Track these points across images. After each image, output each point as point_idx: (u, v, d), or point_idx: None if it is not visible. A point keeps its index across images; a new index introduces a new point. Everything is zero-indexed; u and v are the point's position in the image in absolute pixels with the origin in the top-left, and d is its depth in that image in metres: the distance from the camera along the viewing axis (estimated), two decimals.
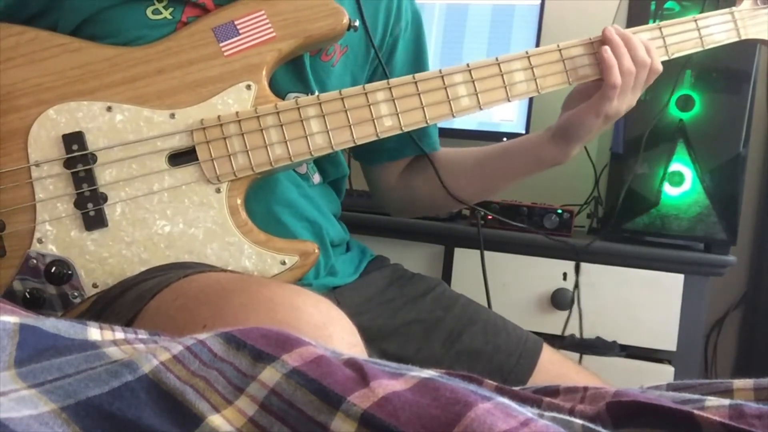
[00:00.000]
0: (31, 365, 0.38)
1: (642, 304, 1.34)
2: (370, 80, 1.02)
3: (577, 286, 1.27)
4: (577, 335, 1.31)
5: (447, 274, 1.44)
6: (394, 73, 1.03)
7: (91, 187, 0.80)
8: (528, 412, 0.35)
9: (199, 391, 0.37)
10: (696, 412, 0.37)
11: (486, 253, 1.29)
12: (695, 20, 0.97)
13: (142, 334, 0.48)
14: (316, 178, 0.99)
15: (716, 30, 0.98)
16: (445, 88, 0.89)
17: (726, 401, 0.43)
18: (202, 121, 0.83)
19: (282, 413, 0.35)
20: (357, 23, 0.89)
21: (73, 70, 0.82)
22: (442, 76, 0.89)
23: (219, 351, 0.40)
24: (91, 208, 0.80)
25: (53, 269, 0.78)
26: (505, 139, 1.57)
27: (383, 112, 0.87)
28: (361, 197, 1.50)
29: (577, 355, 1.30)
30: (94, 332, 0.45)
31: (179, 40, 0.85)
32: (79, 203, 0.80)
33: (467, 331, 0.97)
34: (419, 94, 0.88)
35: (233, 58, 0.85)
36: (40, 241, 0.79)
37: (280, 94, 0.89)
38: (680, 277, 1.33)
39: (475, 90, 0.90)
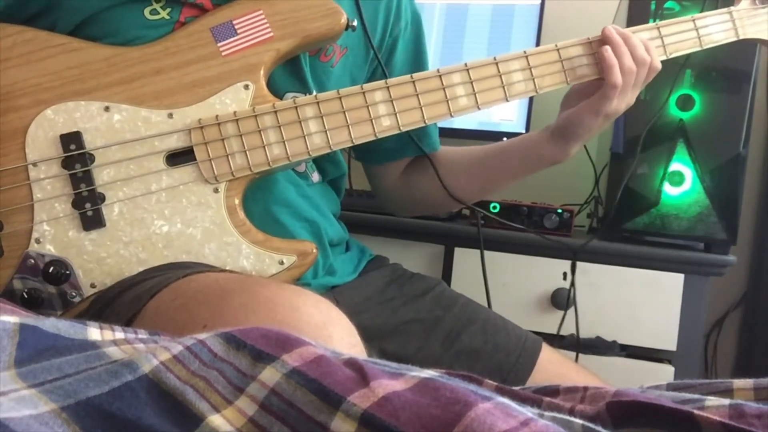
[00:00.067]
0: (31, 365, 0.38)
1: (642, 304, 1.34)
2: (369, 81, 1.02)
3: (573, 284, 1.27)
4: (576, 335, 1.31)
5: (447, 274, 1.44)
6: (393, 73, 1.03)
7: (88, 187, 0.80)
8: (528, 412, 0.35)
9: (199, 391, 0.37)
10: (696, 412, 0.37)
11: (486, 253, 1.29)
12: (693, 20, 0.97)
13: (142, 334, 0.48)
14: (315, 176, 0.99)
15: (714, 30, 0.98)
16: (444, 88, 0.89)
17: (726, 401, 0.43)
18: (200, 121, 0.83)
19: (282, 413, 0.35)
20: (355, 23, 0.89)
21: (71, 70, 0.82)
22: (440, 76, 0.89)
23: (219, 351, 0.40)
24: (88, 208, 0.80)
25: (51, 269, 0.78)
26: (505, 138, 1.57)
27: (381, 112, 0.87)
28: (361, 197, 1.50)
29: (574, 355, 1.30)
30: (94, 332, 0.45)
31: (177, 40, 0.84)
32: (77, 203, 0.80)
33: (467, 330, 0.97)
34: (417, 94, 0.88)
35: (231, 58, 0.85)
36: (38, 241, 0.79)
37: (278, 94, 0.89)
38: (680, 277, 1.32)
39: (473, 90, 0.90)
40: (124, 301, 0.73)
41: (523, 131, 1.65)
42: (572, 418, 0.37)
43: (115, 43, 0.84)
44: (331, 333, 0.60)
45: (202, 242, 0.82)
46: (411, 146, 1.09)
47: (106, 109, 0.82)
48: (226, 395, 0.37)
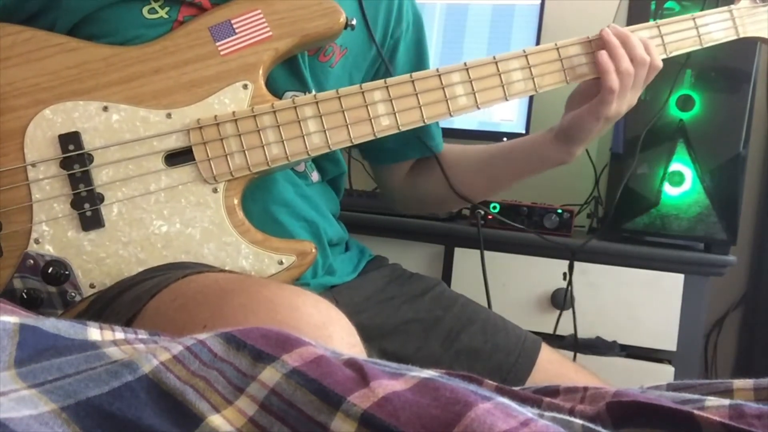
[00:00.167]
0: (31, 365, 0.38)
1: (642, 304, 1.34)
2: (374, 79, 1.03)
3: (570, 284, 1.27)
4: (574, 334, 1.31)
5: (447, 274, 1.44)
6: (395, 75, 1.03)
7: (87, 188, 0.80)
8: (528, 412, 0.35)
9: (199, 391, 0.37)
10: (696, 412, 0.37)
11: (486, 253, 1.29)
12: (693, 18, 0.97)
13: (142, 334, 0.48)
14: (315, 176, 0.99)
15: (715, 28, 0.98)
16: (443, 88, 0.89)
17: (726, 401, 0.43)
18: (199, 120, 0.83)
19: (282, 413, 0.35)
20: (354, 22, 0.89)
21: (70, 69, 0.82)
22: (440, 76, 0.89)
23: (219, 351, 0.40)
24: (87, 209, 0.80)
25: (50, 270, 0.78)
26: (505, 138, 1.57)
27: (380, 111, 0.87)
28: (361, 197, 1.50)
29: (571, 354, 1.30)
30: (94, 332, 0.45)
31: (175, 40, 0.84)
32: (76, 203, 0.80)
33: (466, 330, 0.97)
34: (416, 94, 0.88)
35: (230, 57, 0.85)
36: (37, 241, 0.79)
37: (278, 93, 0.89)
38: (680, 277, 1.32)
39: (473, 89, 0.90)
40: (124, 302, 0.73)
41: (523, 131, 1.65)
42: (572, 419, 0.37)
43: (113, 42, 0.84)
44: (331, 333, 0.60)
45: (201, 242, 0.82)
46: (416, 147, 1.10)
47: (105, 109, 0.82)
48: (226, 395, 0.37)
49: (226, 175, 0.83)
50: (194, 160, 0.83)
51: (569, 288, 1.27)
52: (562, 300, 1.33)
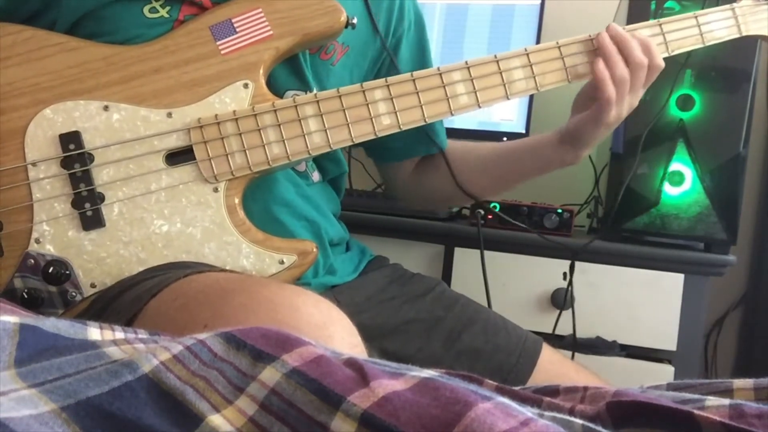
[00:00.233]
0: (31, 365, 0.38)
1: (642, 304, 1.34)
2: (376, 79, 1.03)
3: (570, 284, 1.27)
4: (573, 334, 1.31)
5: (447, 274, 1.44)
6: (400, 69, 1.03)
7: (88, 187, 0.80)
8: (528, 411, 0.35)
9: (199, 390, 0.37)
10: (696, 411, 0.37)
11: (486, 253, 1.29)
12: (696, 17, 0.97)
13: (142, 334, 0.48)
14: (316, 176, 0.99)
15: (717, 26, 0.98)
16: (444, 86, 0.89)
17: (726, 401, 0.43)
18: (200, 120, 0.83)
19: (282, 413, 0.35)
20: (355, 20, 0.89)
21: (70, 69, 0.82)
22: (441, 74, 0.89)
23: (219, 351, 0.40)
24: (88, 208, 0.80)
25: (51, 269, 0.78)
26: (505, 138, 1.57)
27: (381, 110, 0.87)
28: (361, 197, 1.50)
29: (569, 354, 1.30)
30: (94, 332, 0.45)
31: (176, 39, 0.84)
32: (77, 203, 0.80)
33: (467, 330, 0.97)
34: (417, 93, 0.88)
35: (230, 56, 0.85)
36: (37, 241, 0.79)
37: (279, 92, 0.89)
38: (680, 277, 1.32)
39: (474, 88, 0.90)
40: (125, 301, 0.73)
41: (523, 131, 1.65)
42: (572, 418, 0.37)
43: (113, 41, 0.84)
44: (332, 333, 0.60)
45: (201, 242, 0.82)
46: (421, 145, 1.10)
47: (105, 108, 0.82)
48: (226, 395, 0.37)
49: (227, 175, 0.83)
50: (195, 159, 0.83)
51: (569, 288, 1.27)
52: (561, 300, 1.33)
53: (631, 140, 1.33)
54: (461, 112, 0.90)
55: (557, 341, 1.30)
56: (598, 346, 1.33)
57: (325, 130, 0.85)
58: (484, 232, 1.33)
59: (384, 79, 0.88)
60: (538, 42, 1.64)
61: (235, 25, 0.85)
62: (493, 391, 0.43)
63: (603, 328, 1.35)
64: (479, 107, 0.91)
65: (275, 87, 0.89)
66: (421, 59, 1.10)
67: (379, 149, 1.12)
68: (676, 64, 1.23)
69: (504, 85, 0.91)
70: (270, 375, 0.37)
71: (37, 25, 0.85)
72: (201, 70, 0.84)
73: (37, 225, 0.80)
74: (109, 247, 0.80)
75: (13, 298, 0.78)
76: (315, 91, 0.90)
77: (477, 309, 1.01)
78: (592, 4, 1.81)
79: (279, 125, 0.84)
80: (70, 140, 0.80)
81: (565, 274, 1.34)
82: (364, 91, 0.87)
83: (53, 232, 0.80)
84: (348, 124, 0.86)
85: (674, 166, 1.32)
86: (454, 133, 1.62)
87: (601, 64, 0.91)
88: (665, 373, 1.32)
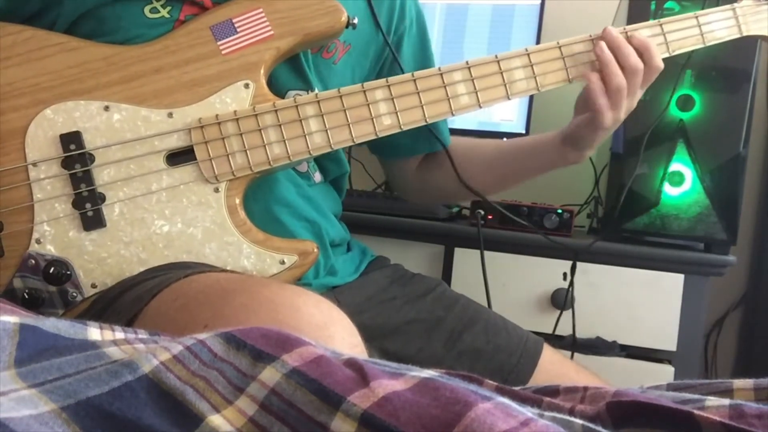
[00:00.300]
0: (31, 365, 0.38)
1: (642, 304, 1.34)
2: (377, 78, 1.03)
3: (571, 285, 1.27)
4: (573, 335, 1.31)
5: (447, 274, 1.44)
6: (402, 69, 1.04)
7: (89, 187, 0.80)
8: (528, 412, 0.35)
9: (199, 391, 0.37)
10: (696, 412, 0.37)
11: (486, 253, 1.29)
12: (696, 17, 0.97)
13: (142, 334, 0.48)
14: (317, 176, 0.99)
15: (718, 26, 0.98)
16: (445, 87, 0.89)
17: (726, 401, 0.43)
18: (200, 120, 0.83)
19: (282, 413, 0.35)
20: (356, 20, 0.89)
21: (71, 69, 0.82)
22: (441, 75, 0.89)
23: (219, 351, 0.40)
24: (89, 209, 0.80)
25: (52, 269, 0.78)
26: (505, 139, 1.57)
27: (382, 110, 0.87)
28: (361, 197, 1.50)
29: (569, 354, 1.30)
30: (94, 332, 0.45)
31: (177, 39, 0.84)
32: (77, 203, 0.80)
33: (468, 330, 0.97)
34: (418, 93, 0.88)
35: (231, 56, 0.85)
36: (38, 241, 0.79)
37: (281, 92, 0.89)
38: (680, 277, 1.32)
39: (475, 88, 0.90)
40: (126, 301, 0.73)
41: (523, 131, 1.65)
42: (572, 418, 0.37)
43: (114, 41, 0.84)
44: (333, 333, 0.60)
45: (202, 242, 0.82)
46: (425, 142, 1.11)
47: (106, 108, 0.82)
48: (226, 395, 0.37)
49: (228, 175, 0.83)
50: (195, 159, 0.83)
51: (570, 288, 1.27)
52: (561, 300, 1.33)
53: (631, 140, 1.33)
54: (462, 112, 0.90)
55: (557, 341, 1.30)
56: (598, 347, 1.33)
57: (326, 131, 0.85)
58: (484, 233, 1.34)
59: (385, 79, 0.88)
60: (538, 42, 1.64)
61: (236, 25, 0.85)
62: (493, 391, 0.43)
63: (603, 329, 1.35)
64: (480, 107, 0.91)
65: (277, 87, 0.89)
66: (423, 57, 1.11)
67: (383, 146, 1.13)
68: (677, 65, 1.23)
69: (505, 85, 0.91)
70: (270, 375, 0.37)
71: (37, 24, 0.85)
72: (202, 70, 0.84)
73: (38, 225, 0.80)
74: (110, 248, 0.80)
75: (14, 298, 0.78)
76: (316, 91, 0.90)
77: (477, 309, 1.01)
78: (592, 4, 1.81)
79: (280, 125, 0.84)
80: (71, 140, 0.80)
81: (565, 274, 1.34)
82: (365, 92, 0.87)
83: (54, 233, 0.80)
84: (349, 125, 0.86)
85: (674, 166, 1.32)
86: (454, 133, 1.62)
87: (594, 77, 0.91)
88: (665, 373, 1.32)
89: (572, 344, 1.28)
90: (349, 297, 0.96)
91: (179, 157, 0.83)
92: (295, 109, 0.85)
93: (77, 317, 0.74)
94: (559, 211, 1.40)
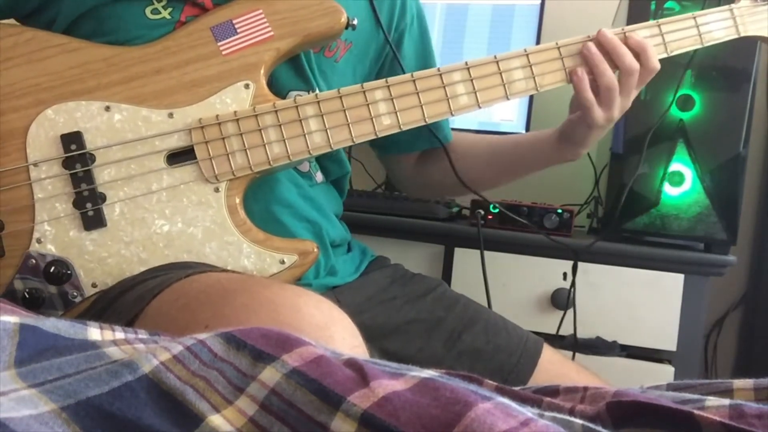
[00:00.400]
0: (31, 365, 0.38)
1: (642, 304, 1.34)
2: (378, 76, 1.04)
3: (573, 285, 1.27)
4: (574, 335, 1.31)
5: (447, 274, 1.44)
6: (403, 64, 1.04)
7: (89, 187, 0.80)
8: (528, 412, 0.35)
9: (199, 391, 0.37)
10: (696, 412, 0.37)
11: (486, 253, 1.29)
12: (694, 17, 0.97)
13: (143, 334, 0.48)
14: (319, 176, 0.99)
15: (715, 27, 0.98)
16: (444, 87, 0.89)
17: (726, 401, 0.43)
18: (201, 120, 0.83)
19: (282, 413, 0.35)
20: (356, 21, 0.89)
21: (71, 69, 0.82)
22: (441, 75, 0.89)
23: (219, 351, 0.40)
24: (89, 208, 0.80)
25: (52, 269, 0.78)
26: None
27: (381, 110, 0.87)
28: (361, 197, 1.50)
29: (570, 354, 1.30)
30: (94, 332, 0.45)
31: (177, 40, 0.84)
32: (78, 203, 0.80)
33: (468, 330, 0.97)
34: (417, 93, 0.88)
35: (231, 57, 0.85)
36: (39, 241, 0.79)
37: (282, 93, 0.90)
38: (680, 277, 1.32)
39: (474, 88, 0.90)
40: (126, 301, 0.73)
41: (523, 131, 1.65)
42: (572, 418, 0.37)
43: (115, 41, 0.84)
44: (333, 333, 0.60)
45: (202, 242, 0.82)
46: (425, 139, 1.12)
47: (107, 108, 0.82)
48: (226, 395, 0.37)
49: (228, 175, 0.83)
50: (196, 159, 0.83)
51: (572, 289, 1.27)
52: (561, 300, 1.33)
53: (631, 140, 1.33)
54: (461, 112, 0.91)
55: (556, 341, 1.30)
56: (598, 347, 1.33)
57: (326, 130, 0.86)
58: (484, 233, 1.33)
59: (384, 79, 0.88)
60: (538, 42, 1.64)
61: (236, 26, 0.85)
62: (493, 391, 0.43)
63: (603, 328, 1.35)
64: (479, 107, 0.91)
65: (278, 88, 0.89)
66: (424, 54, 1.11)
67: (382, 142, 1.12)
68: (677, 65, 1.23)
69: (504, 86, 0.91)
70: (270, 375, 0.37)
71: (36, 22, 0.85)
72: (202, 71, 0.84)
73: (39, 225, 0.80)
74: (111, 247, 0.80)
75: (14, 298, 0.78)
76: (317, 91, 0.90)
77: (478, 309, 1.02)
78: (592, 4, 1.81)
79: (280, 125, 0.84)
80: (72, 140, 0.81)
81: (565, 274, 1.34)
82: (364, 92, 0.87)
83: (54, 232, 0.80)
84: (348, 124, 0.86)
85: (674, 166, 1.32)
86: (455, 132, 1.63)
87: (578, 72, 0.91)
88: (665, 373, 1.32)
89: (574, 345, 1.28)
90: (350, 297, 0.96)
91: (179, 157, 0.83)
92: (295, 109, 0.85)
93: (78, 317, 0.74)
94: (559, 211, 1.40)
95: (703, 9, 0.99)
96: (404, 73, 0.91)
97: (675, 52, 0.96)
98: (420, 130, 1.05)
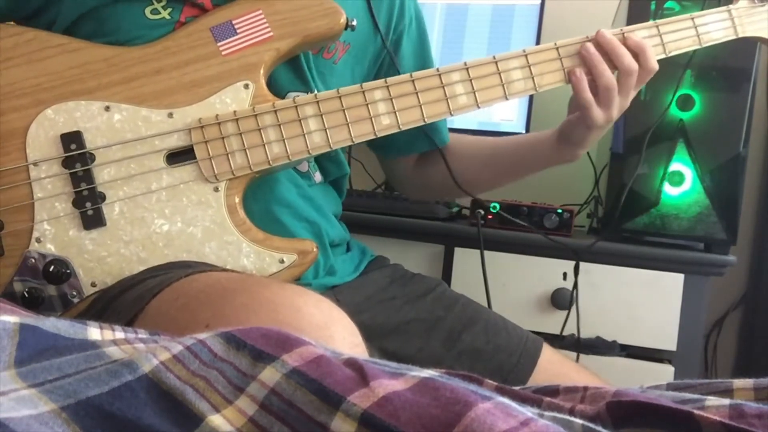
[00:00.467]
0: (31, 365, 0.38)
1: (642, 304, 1.34)
2: (376, 77, 1.04)
3: (576, 287, 1.27)
4: (577, 335, 1.31)
5: (447, 274, 1.44)
6: (401, 67, 1.04)
7: (89, 186, 0.80)
8: (528, 411, 0.35)
9: (199, 390, 0.37)
10: (696, 412, 0.37)
11: (486, 253, 1.29)
12: (692, 18, 0.97)
13: (142, 334, 0.48)
14: (317, 177, 0.99)
15: (713, 28, 0.98)
16: (443, 87, 0.89)
17: (726, 401, 0.43)
18: (200, 120, 0.83)
19: (282, 413, 0.35)
20: (355, 22, 0.89)
21: (72, 70, 0.82)
22: (440, 75, 0.89)
23: (219, 351, 0.40)
24: (89, 207, 0.80)
25: (52, 268, 0.78)
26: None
27: (381, 110, 0.87)
28: (361, 197, 1.50)
29: (574, 355, 1.30)
30: (94, 332, 0.45)
31: (177, 40, 0.84)
32: (78, 202, 0.80)
33: (468, 330, 0.97)
34: (417, 93, 0.89)
35: (231, 57, 0.85)
36: (38, 240, 0.79)
37: (280, 94, 0.90)
38: (680, 277, 1.32)
39: (473, 88, 0.90)
40: (126, 301, 0.73)
41: (523, 131, 1.65)
42: (572, 418, 0.37)
43: (114, 42, 0.84)
44: (333, 333, 0.60)
45: (202, 241, 0.82)
46: (422, 141, 1.12)
47: (107, 108, 0.82)
48: (226, 395, 0.37)
49: (228, 174, 0.83)
50: (195, 159, 0.83)
51: (575, 290, 1.27)
52: (561, 300, 1.34)
53: (631, 140, 1.33)
54: (460, 112, 0.91)
55: (557, 341, 1.30)
56: (598, 346, 1.33)
57: (325, 130, 0.86)
58: (484, 232, 1.34)
59: (383, 79, 0.88)
60: (537, 42, 1.64)
61: (236, 26, 0.85)
62: (493, 391, 0.43)
63: (603, 328, 1.35)
64: (478, 107, 0.91)
65: (277, 89, 0.89)
66: (422, 56, 1.11)
67: (382, 144, 1.13)
68: (677, 65, 1.23)
69: (503, 86, 0.91)
70: (270, 375, 0.37)
71: (36, 23, 0.85)
72: (202, 71, 0.84)
73: (38, 224, 0.80)
74: (110, 247, 0.80)
75: (14, 297, 0.78)
76: (316, 92, 0.90)
77: (477, 309, 1.02)
78: (592, 4, 1.81)
79: (279, 125, 0.84)
80: (72, 140, 0.81)
81: (565, 274, 1.34)
82: (363, 92, 0.87)
83: (54, 232, 0.80)
84: (348, 124, 0.86)
85: (674, 166, 1.32)
86: (454, 133, 1.63)
87: (577, 72, 0.91)
88: (665, 373, 1.32)
89: (577, 345, 1.28)
90: (349, 297, 0.96)
91: (179, 156, 0.83)
92: (295, 109, 0.85)
93: (77, 317, 0.74)
94: (559, 211, 1.40)
95: (702, 9, 0.99)
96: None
97: (673, 53, 0.96)
98: (418, 133, 1.05)
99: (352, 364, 0.38)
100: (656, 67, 0.93)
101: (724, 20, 0.98)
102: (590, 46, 0.91)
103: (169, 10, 0.85)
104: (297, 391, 0.36)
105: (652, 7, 1.33)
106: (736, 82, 1.30)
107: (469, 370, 0.49)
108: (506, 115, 1.68)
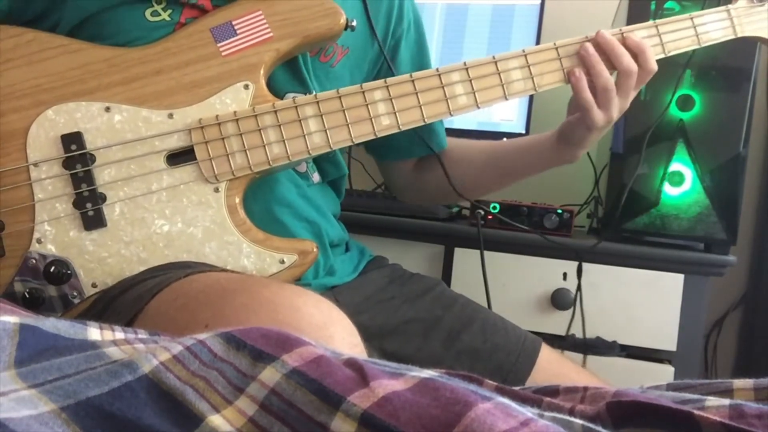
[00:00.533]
0: (31, 365, 0.38)
1: (642, 304, 1.34)
2: (376, 78, 1.03)
3: (579, 289, 1.27)
4: (579, 336, 1.31)
5: (447, 274, 1.44)
6: (398, 74, 1.04)
7: (89, 187, 0.80)
8: (528, 412, 0.35)
9: (199, 391, 0.37)
10: (696, 412, 0.37)
11: (486, 253, 1.29)
12: (691, 18, 0.97)
13: (142, 334, 0.48)
14: (316, 177, 0.99)
15: (713, 28, 0.98)
16: (443, 87, 0.89)
17: (726, 401, 0.43)
18: (201, 120, 0.83)
19: (282, 413, 0.35)
20: (355, 23, 0.89)
21: (72, 70, 0.82)
22: (440, 75, 0.89)
23: (219, 351, 0.40)
24: (89, 208, 0.80)
25: (52, 269, 0.78)
26: (505, 139, 1.57)
27: (381, 110, 0.87)
28: (361, 197, 1.50)
29: (579, 356, 1.30)
30: (94, 332, 0.45)
31: (177, 41, 0.84)
32: (78, 203, 0.80)
33: (466, 330, 0.97)
34: (416, 93, 0.88)
35: (231, 58, 0.85)
36: (39, 241, 0.79)
37: (279, 95, 0.90)
38: (680, 277, 1.32)
39: (473, 88, 0.90)
40: (126, 301, 0.73)
41: (523, 131, 1.65)
42: (572, 418, 0.37)
43: (116, 44, 0.84)
44: (332, 333, 0.60)
45: (202, 241, 0.82)
46: (420, 146, 1.11)
47: (107, 109, 0.82)
48: (226, 395, 0.37)
49: (228, 175, 0.83)
50: (196, 159, 0.83)
51: (579, 292, 1.27)
52: (561, 300, 1.34)
53: (631, 140, 1.33)
54: (460, 112, 0.91)
55: (557, 342, 1.30)
56: (598, 346, 1.33)
57: (325, 131, 0.86)
58: (484, 233, 1.34)
59: (383, 79, 0.88)
60: (537, 42, 1.64)
61: (236, 27, 0.85)
62: (493, 391, 0.43)
63: (603, 328, 1.35)
64: (478, 107, 0.91)
65: (275, 90, 0.89)
66: (421, 59, 1.11)
67: (379, 148, 1.13)
68: (677, 65, 1.23)
69: (502, 86, 0.91)
70: (270, 375, 0.37)
71: (39, 27, 0.85)
72: (202, 72, 0.84)
73: (39, 225, 0.80)
74: (111, 247, 0.81)
75: (14, 298, 0.78)
76: (315, 93, 0.90)
77: (476, 309, 1.02)
78: (592, 4, 1.81)
79: (279, 126, 0.84)
80: (72, 141, 0.81)
81: (565, 274, 1.34)
82: (363, 92, 0.87)
83: (55, 232, 0.80)
84: (348, 125, 0.86)
85: (674, 166, 1.32)
86: (454, 134, 1.62)
87: (576, 72, 0.91)
88: (665, 373, 1.32)
89: (583, 347, 1.28)
90: (348, 297, 0.96)
91: (179, 157, 0.83)
92: (295, 109, 0.85)
93: (77, 317, 0.74)
94: (559, 211, 1.40)
95: (702, 9, 0.99)
96: None
97: (672, 53, 0.96)
98: (416, 136, 1.05)
99: (352, 364, 0.38)
100: (655, 67, 0.93)
101: (723, 20, 0.98)
102: (589, 46, 0.91)
103: (169, 11, 0.86)
104: (297, 391, 0.36)
105: (652, 7, 1.33)
106: (736, 82, 1.30)
107: (468, 369, 0.49)
108: (506, 115, 1.68)
